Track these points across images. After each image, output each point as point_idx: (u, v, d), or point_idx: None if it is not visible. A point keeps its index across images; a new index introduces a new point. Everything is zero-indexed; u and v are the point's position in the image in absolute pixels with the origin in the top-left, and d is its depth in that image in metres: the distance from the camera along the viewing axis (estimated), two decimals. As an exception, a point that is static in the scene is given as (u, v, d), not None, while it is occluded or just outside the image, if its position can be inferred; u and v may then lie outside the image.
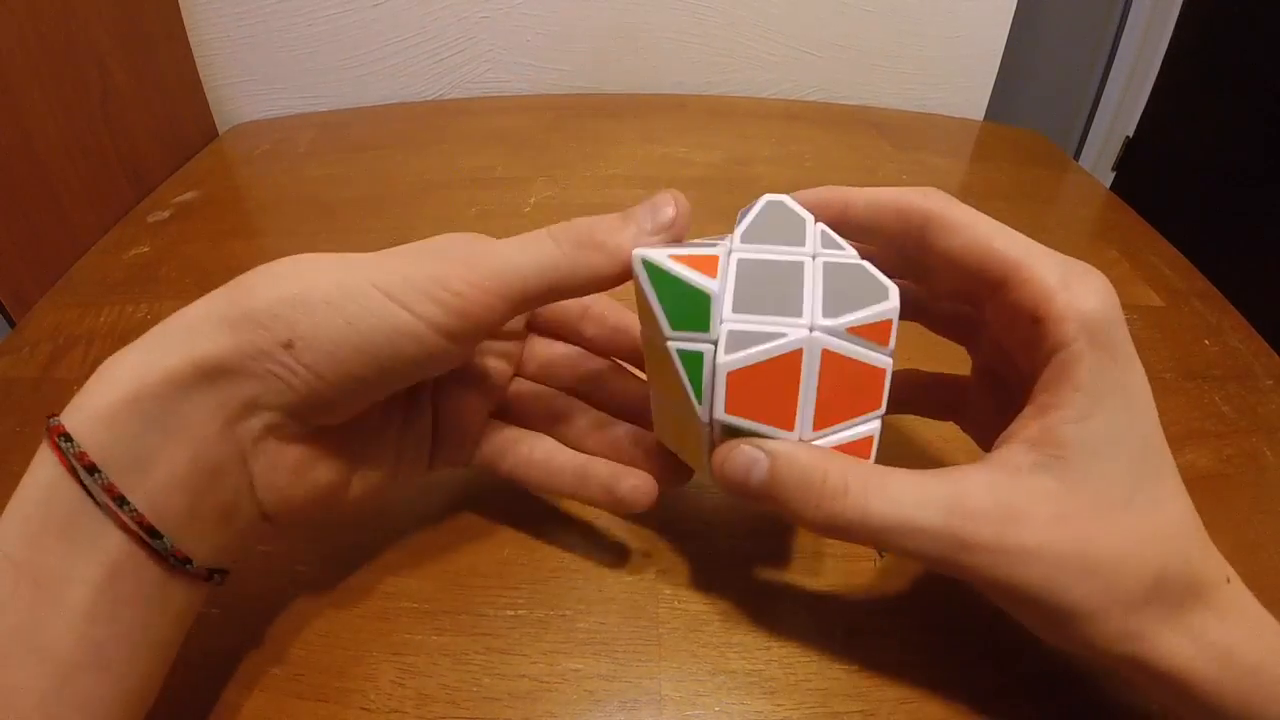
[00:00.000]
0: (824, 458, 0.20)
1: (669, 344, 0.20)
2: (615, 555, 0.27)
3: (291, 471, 0.21)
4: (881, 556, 0.27)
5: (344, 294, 0.19)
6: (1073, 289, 0.19)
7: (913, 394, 0.27)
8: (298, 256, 0.20)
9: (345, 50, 0.65)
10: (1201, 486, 0.20)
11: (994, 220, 0.20)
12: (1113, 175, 0.99)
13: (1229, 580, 0.19)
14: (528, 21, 0.65)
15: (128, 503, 0.18)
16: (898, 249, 0.22)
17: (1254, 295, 0.43)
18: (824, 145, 0.59)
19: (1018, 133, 0.66)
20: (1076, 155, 1.00)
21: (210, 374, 0.18)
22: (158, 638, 0.19)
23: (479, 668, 0.24)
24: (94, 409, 0.18)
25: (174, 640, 0.20)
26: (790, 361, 0.19)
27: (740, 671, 0.24)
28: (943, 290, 0.23)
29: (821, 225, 0.21)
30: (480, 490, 0.30)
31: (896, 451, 0.31)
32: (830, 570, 0.27)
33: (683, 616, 0.25)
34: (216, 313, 0.19)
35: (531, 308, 0.22)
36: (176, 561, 0.19)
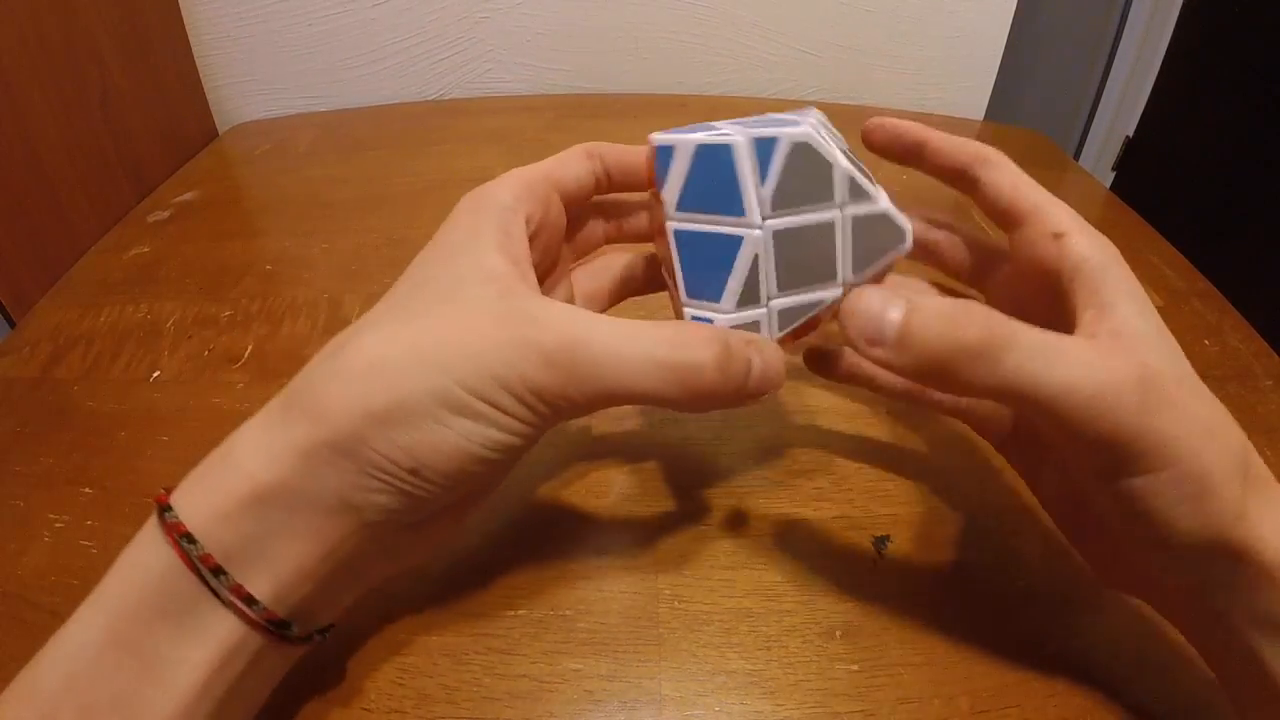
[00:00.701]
0: (963, 309, 0.18)
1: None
2: (615, 555, 0.27)
3: (418, 541, 0.21)
4: (881, 556, 0.27)
5: (441, 404, 0.18)
6: (1084, 226, 0.21)
7: None
8: (363, 336, 0.19)
9: (345, 50, 0.65)
10: (1201, 486, 0.20)
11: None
12: (1113, 175, 0.99)
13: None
14: (528, 21, 0.65)
15: (257, 602, 0.18)
16: (950, 181, 0.24)
17: (1254, 295, 0.43)
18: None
19: (1018, 132, 0.66)
20: (1076, 155, 1.00)
21: (330, 489, 0.18)
22: (258, 700, 0.20)
23: (479, 668, 0.24)
24: (215, 507, 0.18)
25: (265, 697, 0.20)
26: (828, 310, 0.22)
27: (740, 671, 0.24)
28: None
29: (849, 171, 0.21)
30: (480, 490, 0.30)
31: (900, 449, 0.31)
32: (830, 570, 0.27)
33: (683, 616, 0.25)
34: (315, 433, 0.18)
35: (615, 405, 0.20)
36: (298, 640, 0.19)
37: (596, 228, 0.26)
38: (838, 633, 0.25)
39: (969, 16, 0.66)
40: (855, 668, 0.24)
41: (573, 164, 0.24)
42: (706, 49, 0.67)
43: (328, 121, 0.64)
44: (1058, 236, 0.21)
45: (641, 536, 0.28)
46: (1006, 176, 0.22)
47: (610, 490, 0.30)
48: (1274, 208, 0.74)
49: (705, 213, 0.21)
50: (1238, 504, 0.18)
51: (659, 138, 0.21)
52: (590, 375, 0.18)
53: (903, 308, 0.18)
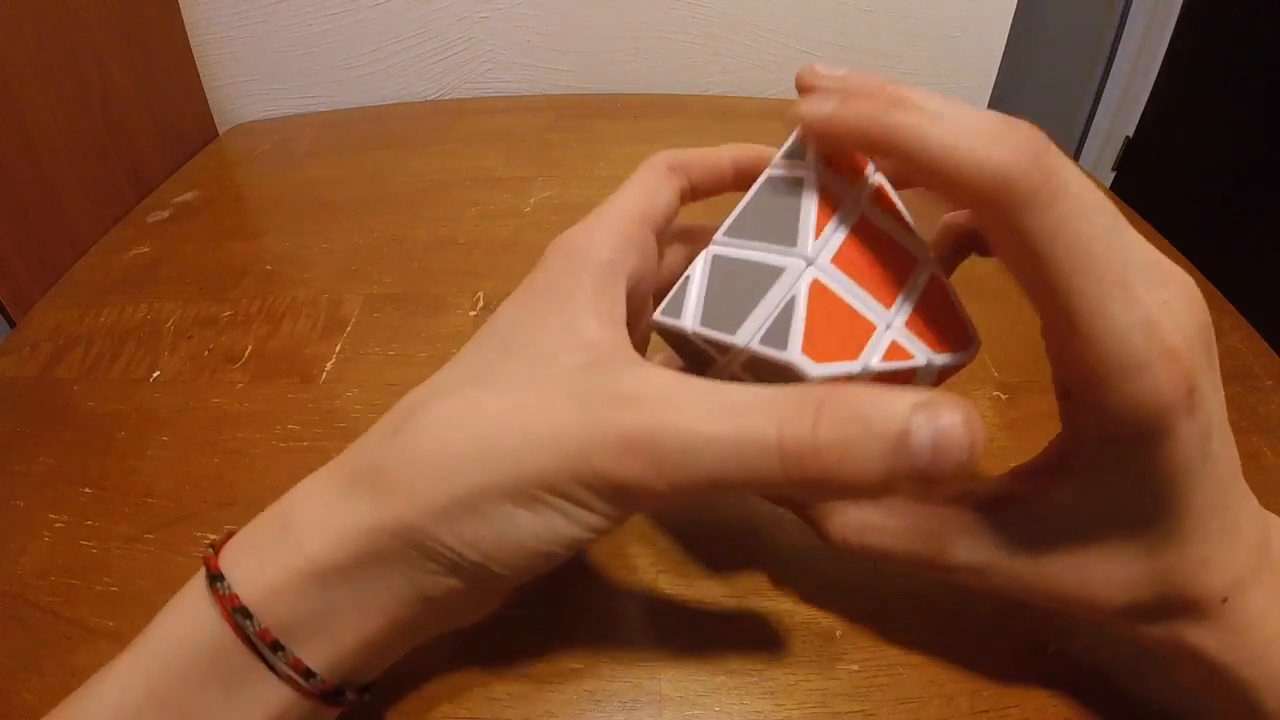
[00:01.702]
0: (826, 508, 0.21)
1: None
2: (615, 555, 0.27)
3: (479, 607, 0.21)
4: (881, 556, 0.27)
5: (510, 500, 0.16)
6: (1131, 381, 0.15)
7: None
8: (442, 402, 0.18)
9: (345, 50, 0.65)
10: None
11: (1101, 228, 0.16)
12: (1113, 175, 0.99)
13: (1225, 600, 0.18)
14: (528, 21, 0.65)
15: (314, 675, 0.17)
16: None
17: (1254, 295, 0.43)
18: (824, 145, 0.59)
19: (1018, 133, 0.66)
20: (1076, 155, 1.00)
21: (394, 567, 0.17)
22: None
23: (479, 668, 0.24)
24: (272, 582, 0.17)
25: None
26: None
27: (740, 671, 0.24)
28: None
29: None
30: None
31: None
32: (829, 570, 0.27)
33: (683, 617, 0.25)
34: (385, 511, 0.17)
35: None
36: (348, 702, 0.19)
37: (678, 254, 0.24)
38: (838, 633, 0.25)
39: (969, 16, 0.66)
40: (855, 668, 0.24)
41: (663, 191, 0.22)
42: (706, 49, 0.67)
43: (328, 121, 0.64)
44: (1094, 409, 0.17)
45: (641, 536, 0.28)
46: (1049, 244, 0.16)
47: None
48: (1274, 208, 0.74)
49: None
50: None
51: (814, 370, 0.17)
52: (679, 464, 0.15)
53: None
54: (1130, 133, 0.95)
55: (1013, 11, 0.66)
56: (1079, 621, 0.25)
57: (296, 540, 0.17)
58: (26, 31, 0.43)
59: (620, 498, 0.16)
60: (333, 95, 0.67)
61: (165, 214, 0.51)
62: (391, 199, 0.51)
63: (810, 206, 0.18)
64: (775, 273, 0.18)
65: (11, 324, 0.42)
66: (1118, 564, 0.18)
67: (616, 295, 0.19)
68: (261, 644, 0.17)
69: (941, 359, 0.19)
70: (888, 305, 0.18)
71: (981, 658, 0.24)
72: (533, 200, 0.50)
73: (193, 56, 0.61)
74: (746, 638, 0.25)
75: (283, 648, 0.17)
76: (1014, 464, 0.21)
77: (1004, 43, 0.67)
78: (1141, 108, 0.93)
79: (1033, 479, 0.20)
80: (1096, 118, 1.00)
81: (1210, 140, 0.83)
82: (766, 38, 0.67)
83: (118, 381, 0.36)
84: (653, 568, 0.27)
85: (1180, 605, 0.18)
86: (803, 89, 0.19)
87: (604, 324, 0.18)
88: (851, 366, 0.17)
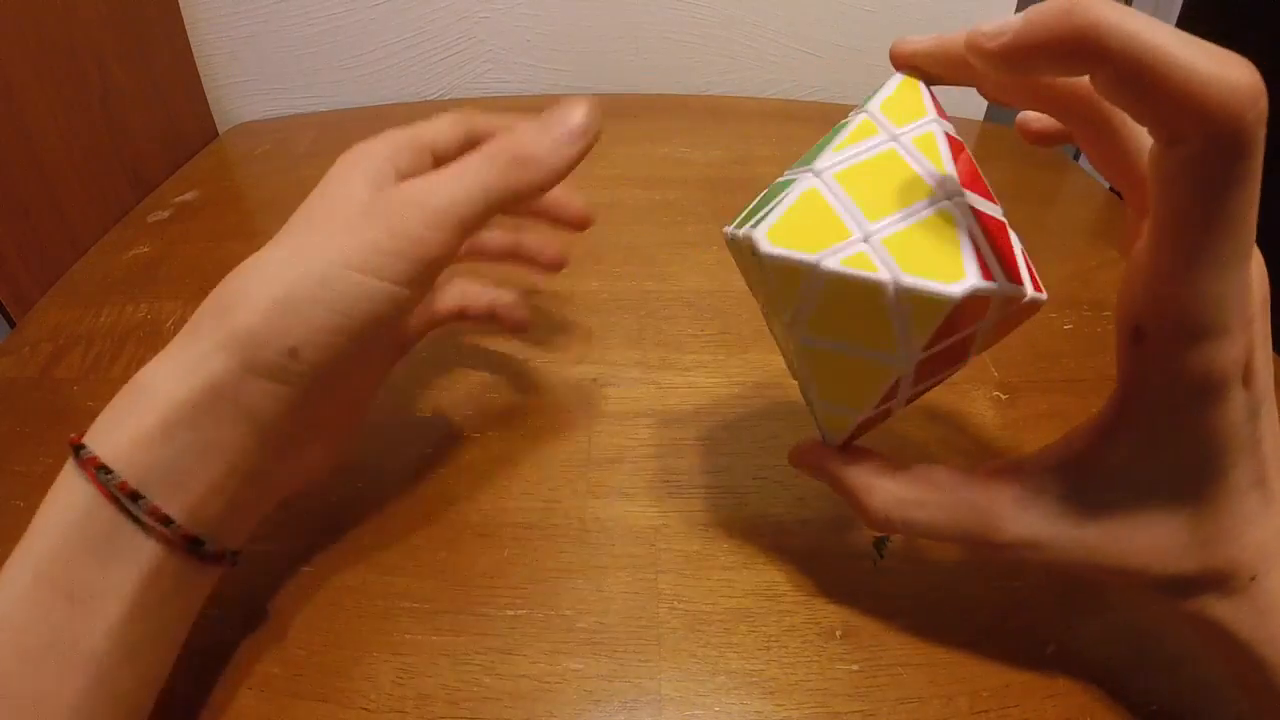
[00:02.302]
0: (867, 482, 0.22)
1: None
2: (615, 555, 0.27)
3: (312, 450, 0.23)
4: (882, 557, 0.27)
5: (327, 287, 0.20)
6: (1201, 344, 0.16)
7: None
8: (259, 257, 0.22)
9: (345, 50, 0.65)
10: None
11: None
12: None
13: (1254, 578, 0.19)
14: (528, 21, 0.65)
15: (172, 521, 0.19)
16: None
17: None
18: (824, 145, 0.59)
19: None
20: (1076, 155, 1.00)
21: (228, 394, 0.20)
22: (181, 625, 0.21)
23: (479, 668, 0.24)
24: (127, 437, 0.19)
25: (189, 622, 0.21)
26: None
27: (740, 671, 0.24)
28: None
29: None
30: (480, 491, 0.30)
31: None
32: (829, 570, 0.27)
33: (683, 616, 0.25)
34: (219, 335, 0.20)
35: (476, 232, 0.23)
36: (211, 557, 0.20)
37: (495, 237, 0.32)
38: (838, 633, 0.25)
39: (969, 16, 0.66)
40: (855, 668, 0.24)
41: (444, 129, 0.25)
42: (706, 49, 0.67)
43: (328, 121, 0.64)
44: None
45: (641, 536, 0.28)
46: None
47: (609, 490, 0.30)
48: (1274, 208, 0.74)
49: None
50: None
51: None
52: (433, 204, 0.21)
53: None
54: (1130, 133, 0.95)
55: (1013, 11, 0.66)
56: (1079, 621, 0.25)
57: (149, 393, 0.20)
58: (26, 31, 0.43)
59: (419, 253, 0.21)
60: (333, 95, 0.67)
61: (165, 214, 0.51)
62: (391, 199, 0.51)
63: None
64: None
65: (11, 324, 0.42)
66: (1162, 533, 0.19)
67: (389, 178, 0.23)
68: (121, 495, 0.18)
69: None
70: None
71: (981, 658, 0.24)
72: (533, 200, 0.50)
73: (193, 56, 0.61)
74: (746, 638, 0.25)
75: (142, 496, 0.19)
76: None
77: (1004, 43, 0.67)
78: (1141, 108, 0.93)
79: (1086, 439, 0.20)
80: (1096, 118, 0.99)
81: (1210, 140, 0.83)
82: (766, 38, 0.67)
83: (118, 381, 0.35)
84: (652, 568, 0.27)
85: (1212, 579, 0.19)
86: (906, 54, 0.23)
87: (376, 191, 0.22)
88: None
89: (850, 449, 0.23)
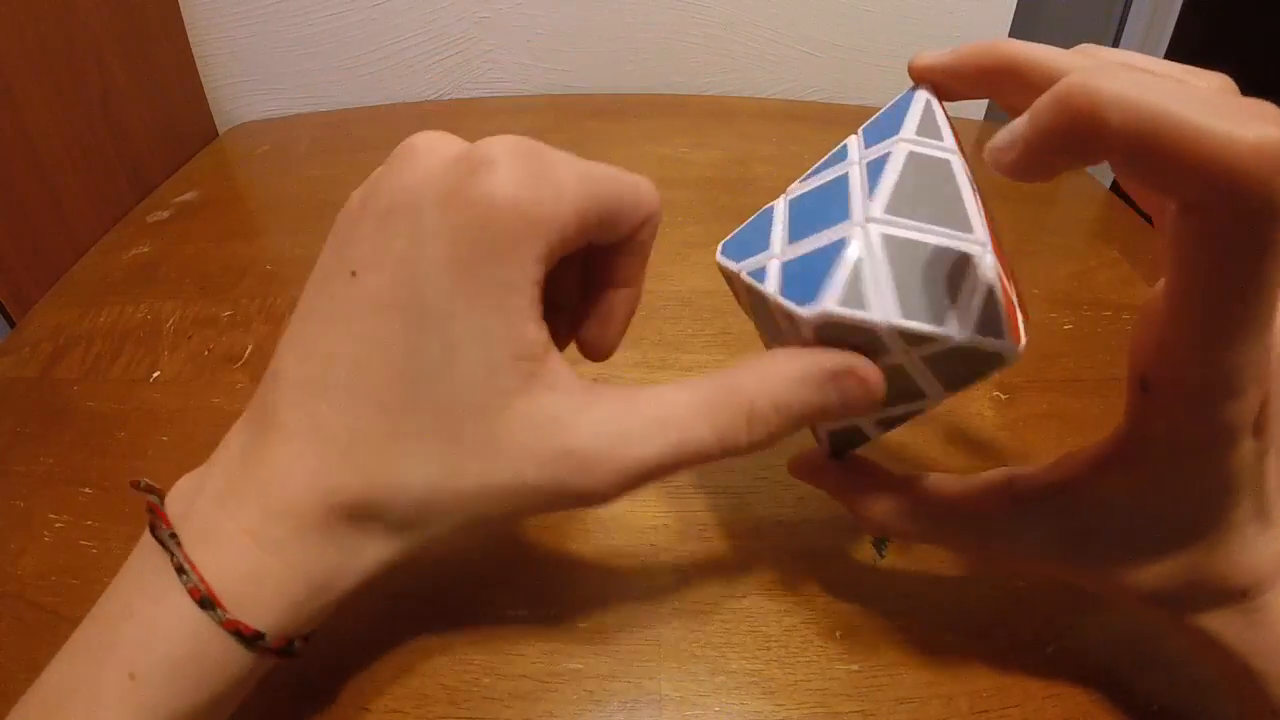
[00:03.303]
0: (865, 495, 0.22)
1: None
2: (615, 555, 0.27)
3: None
4: (882, 556, 0.27)
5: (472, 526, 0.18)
6: (1222, 403, 0.15)
7: None
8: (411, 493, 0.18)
9: (345, 50, 0.65)
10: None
11: None
12: (1112, 175, 0.99)
13: (1246, 594, 0.19)
14: (528, 21, 0.65)
15: (293, 647, 0.18)
16: None
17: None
18: (824, 145, 0.59)
19: (1018, 133, 0.66)
20: (1076, 155, 1.00)
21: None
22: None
23: (479, 668, 0.24)
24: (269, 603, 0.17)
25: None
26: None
27: (740, 671, 0.24)
28: None
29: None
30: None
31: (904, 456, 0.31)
32: (830, 570, 0.27)
33: (683, 616, 0.25)
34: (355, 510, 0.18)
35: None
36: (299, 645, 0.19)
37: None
38: (838, 633, 0.25)
39: (969, 16, 0.66)
40: (855, 668, 0.24)
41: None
42: (706, 49, 0.67)
43: (328, 121, 0.64)
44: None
45: (641, 537, 0.28)
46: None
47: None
48: None
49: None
50: None
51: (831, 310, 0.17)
52: (627, 480, 0.17)
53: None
54: (1130, 133, 0.95)
55: (1013, 11, 0.66)
56: (1079, 621, 0.25)
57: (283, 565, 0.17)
58: (26, 31, 0.43)
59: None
60: (333, 95, 0.67)
61: (165, 214, 0.51)
62: (391, 199, 0.51)
63: (967, 190, 0.18)
64: (965, 259, 0.17)
65: (11, 324, 0.42)
66: (1153, 557, 0.19)
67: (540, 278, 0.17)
68: (270, 649, 0.17)
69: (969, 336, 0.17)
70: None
71: (981, 658, 0.24)
72: (533, 200, 0.50)
73: (193, 56, 0.61)
74: (746, 638, 0.25)
75: (261, 635, 0.17)
76: (1014, 464, 0.21)
77: (1004, 43, 0.67)
78: (1141, 108, 0.93)
79: (1084, 469, 0.19)
80: (1096, 118, 0.99)
81: (1210, 140, 0.83)
82: (766, 38, 0.67)
83: (118, 381, 0.36)
84: (653, 568, 0.27)
85: (1204, 597, 0.19)
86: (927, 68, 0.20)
87: (539, 322, 0.17)
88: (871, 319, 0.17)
89: (849, 459, 0.23)
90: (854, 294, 0.17)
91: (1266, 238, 0.13)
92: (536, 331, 0.17)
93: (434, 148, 0.18)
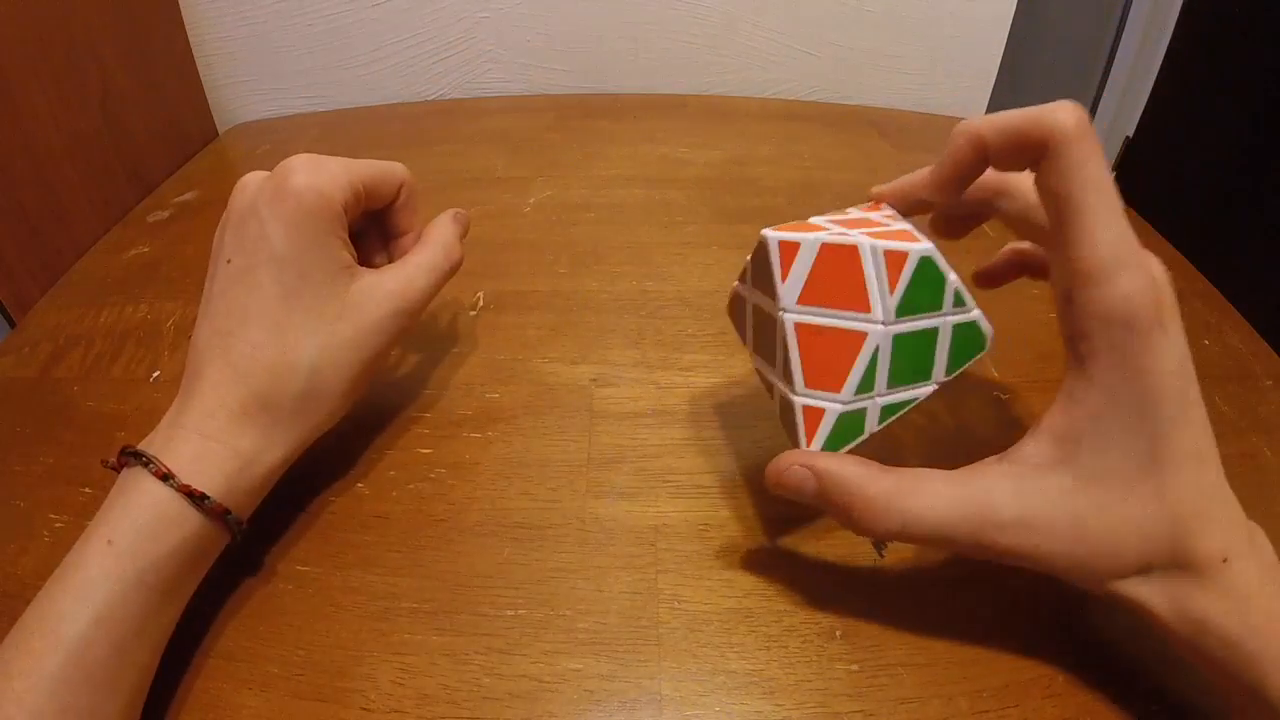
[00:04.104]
0: (865, 477, 0.22)
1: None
2: (615, 555, 0.27)
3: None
4: (882, 556, 0.27)
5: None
6: (1113, 280, 0.20)
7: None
8: (287, 341, 0.26)
9: (345, 50, 0.65)
10: (1201, 486, 0.20)
11: (1103, 186, 0.21)
12: (1112, 176, 0.99)
13: (1226, 560, 0.19)
14: (528, 21, 0.65)
15: (230, 513, 0.24)
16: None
17: (1254, 295, 0.43)
18: (824, 145, 0.59)
19: (1018, 133, 0.66)
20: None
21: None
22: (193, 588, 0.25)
23: (479, 668, 0.24)
24: (222, 489, 0.24)
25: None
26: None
27: (740, 671, 0.24)
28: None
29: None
30: (480, 491, 0.30)
31: (905, 451, 0.31)
32: (830, 570, 0.27)
33: (683, 616, 0.25)
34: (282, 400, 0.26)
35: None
36: (239, 529, 0.24)
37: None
38: (838, 633, 0.25)
39: (969, 16, 0.66)
40: (855, 668, 0.24)
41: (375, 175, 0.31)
42: (706, 49, 0.67)
43: (328, 121, 0.65)
44: (1068, 301, 0.21)
45: (641, 536, 0.28)
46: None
47: (609, 490, 0.30)
48: (1274, 208, 0.74)
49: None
50: (1112, 589, 0.21)
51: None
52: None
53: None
54: (1130, 133, 0.95)
55: (1013, 11, 0.66)
56: (1079, 621, 0.25)
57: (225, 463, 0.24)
58: (26, 32, 0.43)
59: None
60: (333, 95, 0.67)
61: (165, 214, 0.51)
62: (391, 199, 0.51)
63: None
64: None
65: (11, 324, 0.42)
66: (1134, 505, 0.20)
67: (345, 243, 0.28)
68: (218, 516, 0.23)
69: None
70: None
71: (981, 658, 0.24)
72: (532, 200, 0.50)
73: (193, 56, 0.61)
74: (746, 638, 0.25)
75: (207, 496, 0.23)
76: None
77: (1004, 43, 0.67)
78: (1141, 108, 0.93)
79: (1058, 406, 0.21)
80: (1096, 118, 0.99)
81: (1210, 140, 0.83)
82: (766, 38, 0.67)
83: (118, 381, 0.36)
84: (653, 568, 0.27)
85: (1185, 560, 0.19)
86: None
87: (350, 249, 0.28)
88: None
89: (840, 455, 0.23)
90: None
91: (1082, 156, 0.20)
92: (348, 255, 0.28)
93: (254, 177, 0.27)
